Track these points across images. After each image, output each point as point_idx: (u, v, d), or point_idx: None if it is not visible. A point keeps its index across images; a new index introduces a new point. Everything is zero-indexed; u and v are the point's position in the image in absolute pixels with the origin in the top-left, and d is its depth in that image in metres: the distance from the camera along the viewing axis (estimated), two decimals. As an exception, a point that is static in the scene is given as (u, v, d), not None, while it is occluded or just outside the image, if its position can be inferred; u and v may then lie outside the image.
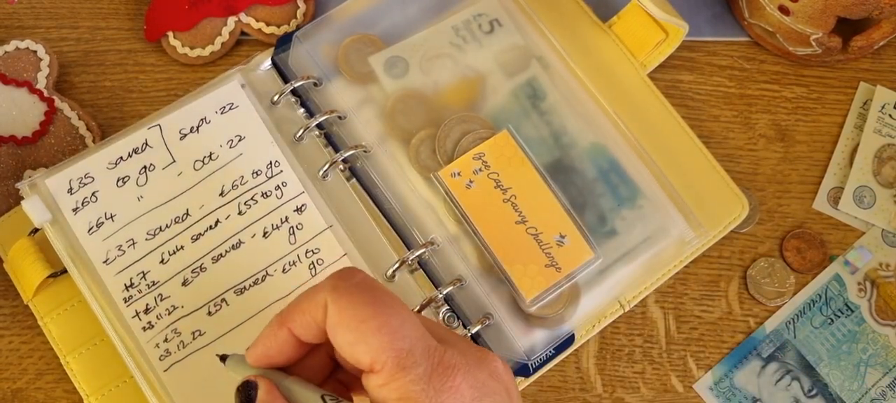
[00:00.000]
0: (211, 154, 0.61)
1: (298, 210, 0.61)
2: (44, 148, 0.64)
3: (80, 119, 0.65)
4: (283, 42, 0.66)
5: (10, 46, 0.66)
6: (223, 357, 0.49)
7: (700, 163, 0.65)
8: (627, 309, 0.62)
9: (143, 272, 0.58)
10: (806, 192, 0.68)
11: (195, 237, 0.59)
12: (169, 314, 0.58)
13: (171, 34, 0.68)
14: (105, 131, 0.66)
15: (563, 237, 0.60)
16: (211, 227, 0.60)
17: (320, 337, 0.45)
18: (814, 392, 0.63)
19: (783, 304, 0.65)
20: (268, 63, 0.66)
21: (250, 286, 0.59)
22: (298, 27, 0.67)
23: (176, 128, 0.62)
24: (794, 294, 0.65)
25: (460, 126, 0.64)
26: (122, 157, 0.61)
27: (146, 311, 0.58)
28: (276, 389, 0.46)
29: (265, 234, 0.60)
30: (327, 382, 0.49)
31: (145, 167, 0.61)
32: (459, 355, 0.44)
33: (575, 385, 0.63)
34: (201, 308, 0.58)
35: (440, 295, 0.60)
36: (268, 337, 0.46)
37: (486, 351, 0.46)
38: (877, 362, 0.64)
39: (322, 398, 0.45)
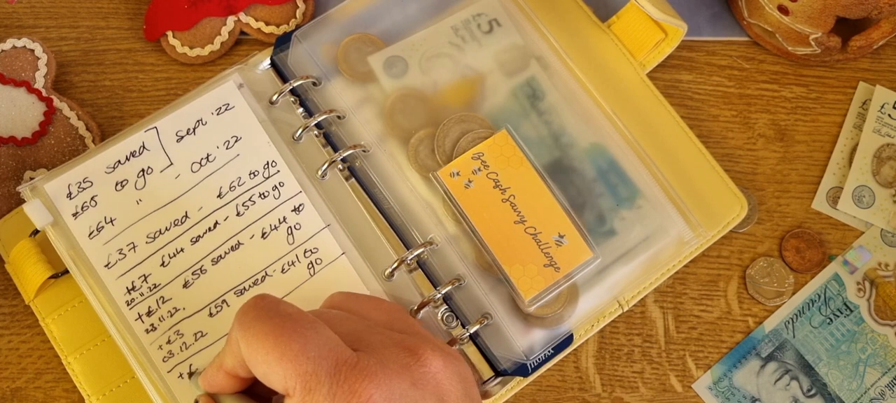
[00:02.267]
0: (208, 155, 0.61)
1: (296, 210, 0.61)
2: (44, 148, 0.64)
3: (79, 119, 0.65)
4: (282, 41, 0.66)
5: (7, 45, 0.66)
6: (191, 374, 0.53)
7: (699, 163, 0.65)
8: (626, 308, 0.62)
9: (144, 275, 0.59)
10: (805, 192, 0.68)
11: (195, 239, 0.60)
12: (171, 316, 0.58)
13: (170, 34, 0.68)
14: (105, 131, 0.66)
15: (561, 237, 0.60)
16: (210, 229, 0.60)
17: (250, 372, 0.46)
18: (813, 391, 0.63)
19: (782, 304, 0.65)
20: (267, 63, 0.66)
21: (250, 286, 0.59)
22: (298, 27, 0.67)
23: (172, 131, 0.62)
24: (794, 293, 0.65)
25: (459, 125, 0.64)
26: (119, 161, 0.61)
27: (148, 314, 0.58)
28: None
29: (264, 235, 0.60)
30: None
31: (143, 170, 0.61)
32: (377, 363, 0.43)
33: (574, 385, 0.63)
34: (203, 309, 0.58)
35: (439, 295, 0.60)
36: (212, 375, 0.48)
37: (418, 352, 0.45)
38: (876, 361, 0.64)
39: None
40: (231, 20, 0.69)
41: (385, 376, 0.43)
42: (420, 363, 0.45)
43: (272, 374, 0.43)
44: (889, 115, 0.69)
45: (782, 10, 0.67)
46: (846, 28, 0.67)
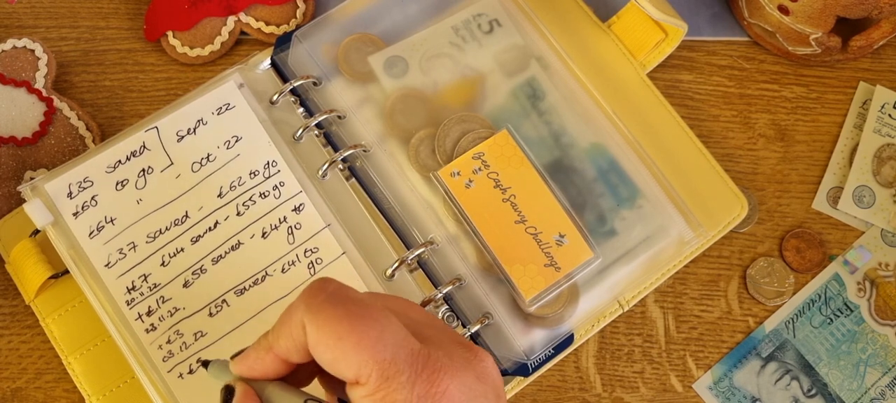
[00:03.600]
0: (208, 155, 0.61)
1: (296, 209, 0.61)
2: (44, 148, 0.64)
3: (79, 119, 0.65)
4: (283, 41, 0.66)
5: (7, 45, 0.66)
6: (205, 363, 0.49)
7: (699, 163, 0.65)
8: (627, 308, 0.62)
9: (144, 275, 0.59)
10: (805, 192, 0.68)
11: (195, 239, 0.60)
12: (171, 316, 0.58)
13: (170, 34, 0.68)
14: (105, 131, 0.66)
15: (562, 237, 0.60)
16: (210, 229, 0.60)
17: (307, 356, 0.44)
18: (813, 391, 0.63)
19: (782, 304, 0.65)
20: (267, 63, 0.66)
21: (250, 286, 0.59)
22: (298, 27, 0.67)
23: (173, 130, 0.62)
24: (794, 293, 0.65)
25: (460, 125, 0.64)
26: (120, 161, 0.61)
27: (148, 313, 0.58)
28: (253, 392, 0.46)
29: (264, 235, 0.60)
30: (323, 375, 0.48)
31: (144, 170, 0.61)
32: (446, 356, 0.43)
33: (574, 385, 0.63)
34: (203, 309, 0.58)
35: (439, 295, 0.60)
36: (255, 359, 0.46)
37: (475, 350, 0.45)
38: (876, 361, 0.64)
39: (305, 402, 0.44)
40: (231, 20, 0.69)
41: (454, 369, 0.42)
42: (479, 358, 0.44)
43: (344, 361, 0.41)
44: (889, 115, 0.69)
45: (783, 10, 0.67)
46: (846, 28, 0.67)
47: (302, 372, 0.47)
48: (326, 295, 0.43)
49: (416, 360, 0.42)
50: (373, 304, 0.43)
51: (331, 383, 0.47)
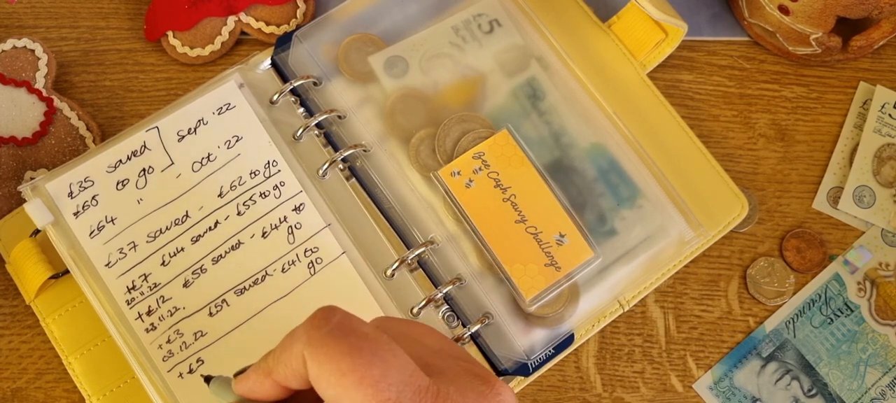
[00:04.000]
0: (209, 155, 0.61)
1: (297, 209, 0.61)
2: (44, 148, 0.64)
3: (79, 119, 0.65)
4: (283, 41, 0.66)
5: (8, 45, 0.66)
6: (208, 379, 0.48)
7: (700, 163, 0.65)
8: (627, 308, 0.62)
9: (144, 274, 0.59)
10: (806, 192, 0.68)
11: (195, 238, 0.60)
12: (171, 315, 0.58)
13: (170, 34, 0.68)
14: (105, 131, 0.66)
15: (562, 236, 0.60)
16: (210, 228, 0.60)
17: (307, 385, 0.42)
18: (813, 391, 0.63)
19: (783, 304, 0.65)
20: (267, 63, 0.66)
21: (250, 286, 0.59)
22: (298, 27, 0.67)
23: (174, 130, 0.62)
24: (794, 293, 0.65)
25: (460, 125, 0.64)
26: (121, 160, 0.61)
27: (148, 313, 0.58)
28: None
29: (264, 234, 0.60)
30: None
31: (144, 170, 0.61)
32: (457, 392, 0.40)
33: (574, 385, 0.63)
34: (203, 309, 0.58)
35: (440, 295, 0.60)
36: (254, 382, 0.44)
37: (491, 382, 0.42)
38: (876, 361, 0.64)
39: None
40: (231, 20, 0.69)
41: None
42: (495, 391, 0.42)
43: (346, 398, 0.39)
44: (889, 115, 0.69)
45: (783, 10, 0.67)
46: (847, 28, 0.67)
47: (306, 398, 0.44)
48: (330, 327, 0.40)
49: (422, 399, 0.39)
50: (378, 338, 0.40)
51: None
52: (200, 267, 0.59)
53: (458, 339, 0.59)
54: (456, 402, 0.40)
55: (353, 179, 0.63)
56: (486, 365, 0.60)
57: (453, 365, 0.43)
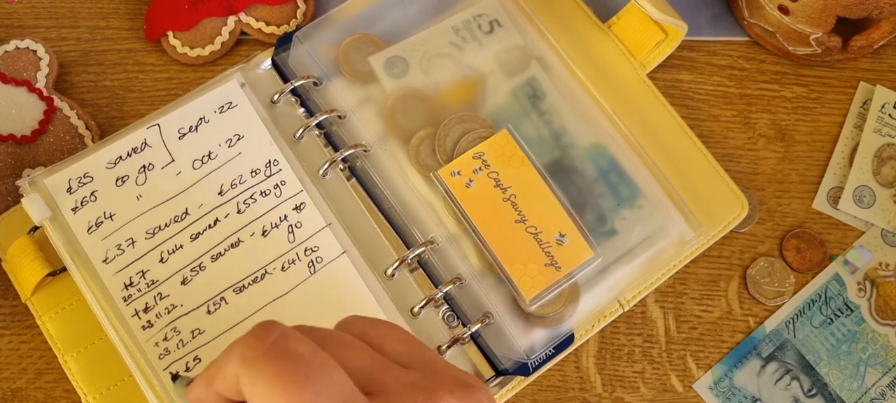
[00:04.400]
0: (210, 153, 0.61)
1: (297, 208, 0.61)
2: (43, 147, 0.64)
3: (79, 118, 0.65)
4: (284, 42, 0.66)
5: (10, 46, 0.66)
6: (174, 377, 0.48)
7: (700, 163, 0.65)
8: (627, 308, 0.62)
9: (142, 271, 0.58)
10: (806, 192, 0.68)
11: (194, 236, 0.60)
12: (168, 313, 0.58)
13: (171, 34, 0.68)
14: (104, 131, 0.66)
15: (562, 236, 0.60)
16: (210, 226, 0.60)
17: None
18: (813, 391, 0.63)
19: (783, 304, 0.65)
20: (268, 63, 0.66)
21: (249, 284, 0.59)
22: (298, 27, 0.67)
23: (175, 128, 0.62)
24: (794, 293, 0.65)
25: (460, 125, 0.64)
26: (121, 157, 0.61)
27: (145, 310, 0.58)
28: None
29: (264, 233, 0.60)
30: None
31: (144, 166, 0.61)
32: None
33: (574, 385, 0.63)
34: (200, 306, 0.58)
35: (440, 295, 0.60)
36: (200, 392, 0.43)
37: (436, 396, 0.41)
38: (876, 361, 0.64)
39: None
40: (231, 20, 0.69)
41: None
42: None
43: None
44: (889, 115, 0.69)
45: (783, 10, 0.67)
46: (847, 28, 0.67)
47: None
48: (264, 348, 0.39)
49: None
50: (313, 360, 0.39)
51: None
52: (199, 265, 0.59)
53: (458, 339, 0.59)
54: None
55: (354, 179, 0.63)
56: (484, 362, 0.59)
57: (400, 380, 0.41)
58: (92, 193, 0.60)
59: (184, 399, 0.45)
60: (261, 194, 0.61)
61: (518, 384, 0.60)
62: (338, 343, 0.42)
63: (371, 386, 0.40)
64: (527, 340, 0.59)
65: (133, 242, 0.59)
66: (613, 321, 0.63)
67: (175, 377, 0.47)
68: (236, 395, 0.41)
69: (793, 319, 0.65)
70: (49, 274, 0.59)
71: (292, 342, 0.40)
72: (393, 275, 0.60)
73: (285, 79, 0.65)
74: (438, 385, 0.42)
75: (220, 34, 0.68)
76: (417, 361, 0.44)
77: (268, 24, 0.69)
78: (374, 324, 0.46)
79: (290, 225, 0.60)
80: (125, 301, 0.58)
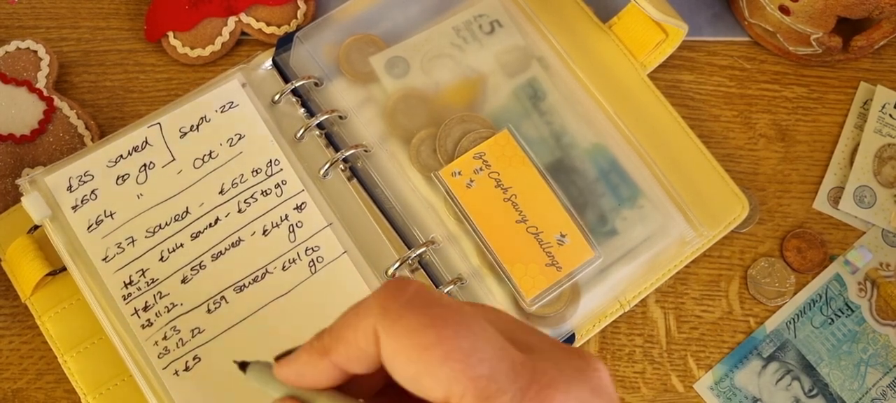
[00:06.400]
0: (211, 152, 0.61)
1: (298, 208, 0.61)
2: (42, 146, 0.64)
3: (79, 118, 0.65)
4: (284, 42, 0.66)
5: (11, 46, 0.66)
6: (243, 365, 0.41)
7: (700, 163, 0.65)
8: (628, 308, 0.62)
9: (142, 270, 0.58)
10: (806, 192, 0.68)
11: (195, 235, 0.60)
12: (168, 311, 0.58)
13: (171, 34, 0.68)
14: (105, 131, 0.66)
15: (563, 236, 0.60)
16: (210, 225, 0.60)
17: (372, 367, 0.37)
18: (814, 391, 0.63)
19: (783, 304, 0.65)
20: (269, 63, 0.66)
21: (250, 283, 0.59)
22: (299, 27, 0.67)
23: (176, 127, 0.62)
24: (795, 293, 0.65)
25: (461, 125, 0.64)
26: (122, 155, 0.61)
27: (145, 309, 0.58)
28: None
29: (265, 232, 0.60)
30: (384, 390, 0.41)
31: (145, 165, 0.61)
32: (554, 368, 0.35)
33: (575, 385, 0.63)
34: (201, 305, 0.58)
35: (440, 295, 0.59)
36: (305, 364, 0.38)
37: (587, 357, 0.37)
38: (877, 362, 0.64)
39: None
40: (232, 21, 0.69)
41: (566, 382, 0.35)
42: (592, 367, 0.37)
43: (430, 376, 0.35)
44: (890, 115, 0.69)
45: (783, 10, 0.67)
46: (847, 28, 0.67)
47: (359, 384, 0.40)
48: (408, 297, 0.36)
49: (519, 375, 0.35)
50: (462, 308, 0.36)
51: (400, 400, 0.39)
52: (199, 264, 0.59)
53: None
54: (554, 379, 0.35)
55: (355, 179, 0.63)
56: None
57: (542, 341, 0.38)
58: (92, 192, 0.60)
59: (267, 385, 0.40)
60: (262, 193, 0.61)
61: (518, 384, 0.60)
62: (470, 305, 0.38)
63: (518, 345, 0.36)
64: (527, 340, 0.59)
65: (133, 241, 0.59)
66: (614, 321, 0.63)
67: (243, 365, 0.41)
68: (362, 362, 0.37)
69: (793, 319, 0.65)
70: (48, 274, 0.59)
71: (435, 293, 0.37)
72: (394, 276, 0.60)
73: (286, 80, 0.65)
74: (578, 352, 0.38)
75: (221, 34, 0.68)
76: (530, 328, 0.40)
77: (268, 24, 0.69)
78: (483, 306, 0.40)
79: (291, 225, 0.60)
80: (125, 299, 0.58)
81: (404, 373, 0.35)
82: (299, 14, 0.69)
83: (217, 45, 0.68)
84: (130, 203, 0.60)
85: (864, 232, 0.67)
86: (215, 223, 0.60)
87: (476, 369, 0.34)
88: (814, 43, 0.68)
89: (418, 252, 0.60)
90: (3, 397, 0.61)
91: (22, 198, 0.59)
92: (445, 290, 0.59)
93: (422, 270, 0.61)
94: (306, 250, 0.60)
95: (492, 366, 0.34)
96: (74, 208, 0.59)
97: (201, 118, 0.62)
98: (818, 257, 0.66)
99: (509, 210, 0.61)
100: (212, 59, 0.69)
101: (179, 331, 0.57)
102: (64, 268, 0.59)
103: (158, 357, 0.57)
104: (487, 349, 0.35)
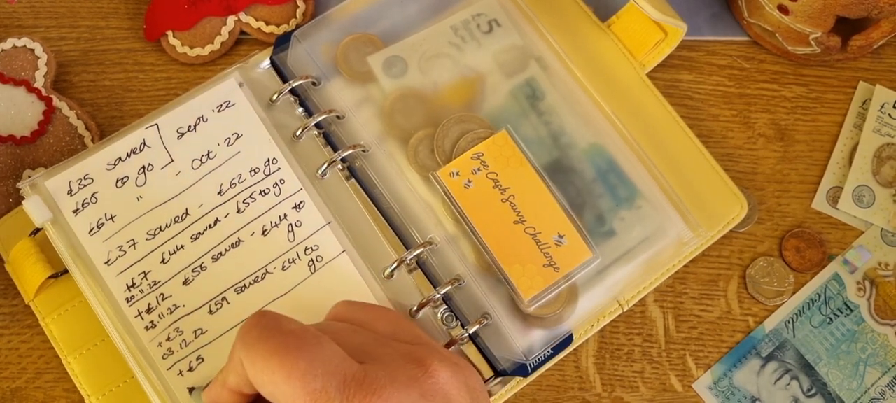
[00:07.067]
0: (209, 152, 0.61)
1: (297, 207, 0.61)
2: (42, 147, 0.64)
3: (78, 118, 0.65)
4: (282, 41, 0.66)
5: (8, 45, 0.66)
6: (191, 390, 0.53)
7: (699, 163, 0.65)
8: (626, 308, 0.62)
9: (144, 272, 0.58)
10: (805, 192, 0.68)
11: (195, 236, 0.60)
12: (170, 313, 0.58)
13: (170, 33, 0.68)
14: (104, 130, 0.66)
15: (561, 237, 0.60)
16: (210, 226, 0.60)
17: (255, 389, 0.45)
18: (813, 391, 0.63)
19: (782, 303, 0.65)
20: (267, 62, 0.66)
21: (250, 284, 0.59)
22: (297, 27, 0.67)
23: (173, 127, 0.62)
24: (794, 293, 0.65)
25: (459, 126, 0.64)
26: (120, 158, 0.61)
27: (148, 311, 0.58)
28: None
29: (264, 232, 0.60)
30: None
31: (144, 167, 0.61)
32: (386, 376, 0.43)
33: (574, 385, 0.63)
34: (202, 306, 0.58)
35: (438, 295, 0.59)
36: (218, 390, 0.48)
37: (426, 365, 0.45)
38: (876, 361, 0.64)
39: None
40: (231, 20, 0.69)
41: (394, 389, 0.43)
42: (428, 374, 0.45)
43: (279, 393, 0.43)
44: (889, 115, 0.69)
45: (782, 9, 0.67)
46: (846, 28, 0.67)
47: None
48: (259, 330, 0.44)
49: (347, 386, 0.42)
50: (304, 334, 0.44)
51: None
52: (200, 265, 0.59)
53: (456, 340, 0.59)
54: (383, 386, 0.42)
55: (353, 179, 0.63)
56: (483, 362, 0.59)
57: (391, 351, 0.46)
58: (92, 195, 0.60)
59: None
60: (260, 193, 0.61)
61: (517, 384, 0.60)
62: (330, 328, 0.47)
63: (363, 358, 0.44)
64: (525, 341, 0.59)
65: (134, 243, 0.59)
66: (613, 321, 0.63)
67: (191, 390, 0.51)
68: (248, 385, 0.45)
69: (792, 319, 0.65)
70: (51, 277, 0.59)
71: (284, 322, 0.44)
72: (391, 276, 0.60)
73: (284, 79, 0.65)
74: (429, 355, 0.46)
75: (220, 34, 0.68)
76: (408, 337, 0.49)
77: (267, 23, 0.69)
78: (365, 308, 0.51)
79: (290, 225, 0.60)
80: (128, 302, 0.58)
81: (264, 391, 0.43)
82: (299, 13, 0.69)
83: (216, 45, 0.68)
84: (130, 205, 0.60)
85: (863, 232, 0.67)
86: (215, 224, 0.60)
87: (311, 384, 0.42)
88: (813, 42, 0.68)
89: (416, 252, 0.60)
90: (2, 396, 0.61)
91: (23, 202, 0.59)
92: (443, 291, 0.59)
93: (419, 270, 0.61)
94: (306, 249, 0.60)
95: (325, 381, 0.42)
96: (75, 212, 0.59)
97: (198, 118, 0.62)
98: (817, 257, 0.66)
99: (507, 210, 0.61)
100: (211, 59, 0.69)
101: (182, 333, 0.57)
102: (66, 271, 0.59)
103: (162, 358, 0.57)
104: (321, 367, 0.42)
